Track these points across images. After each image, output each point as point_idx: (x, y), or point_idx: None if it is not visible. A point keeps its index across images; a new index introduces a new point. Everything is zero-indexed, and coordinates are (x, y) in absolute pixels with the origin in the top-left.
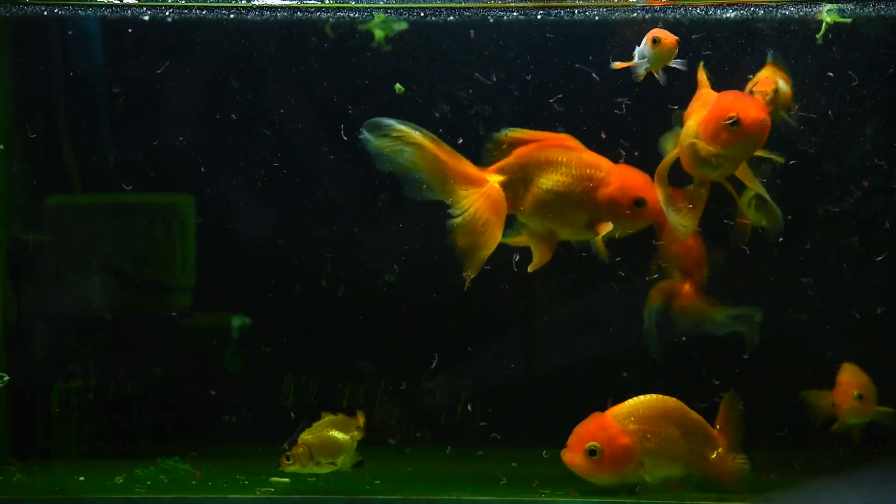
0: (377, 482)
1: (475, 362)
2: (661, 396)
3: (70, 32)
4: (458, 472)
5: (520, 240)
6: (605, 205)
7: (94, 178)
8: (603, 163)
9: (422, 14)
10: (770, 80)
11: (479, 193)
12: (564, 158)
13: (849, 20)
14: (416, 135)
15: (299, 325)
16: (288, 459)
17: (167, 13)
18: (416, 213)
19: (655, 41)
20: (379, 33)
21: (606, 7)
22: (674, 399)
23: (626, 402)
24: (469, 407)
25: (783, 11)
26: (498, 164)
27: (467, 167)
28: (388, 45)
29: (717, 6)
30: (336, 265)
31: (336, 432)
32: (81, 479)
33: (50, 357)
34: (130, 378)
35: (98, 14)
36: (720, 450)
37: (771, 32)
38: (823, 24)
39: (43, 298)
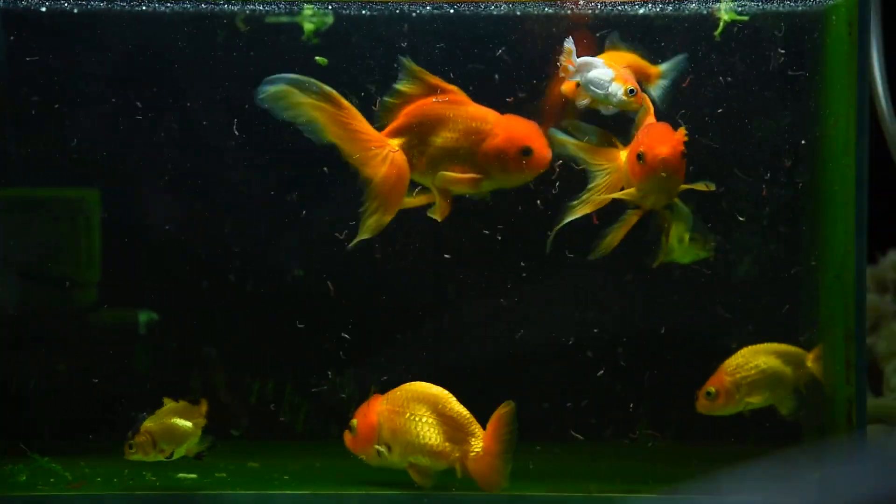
0: (285, 477)
1: (386, 354)
2: (427, 384)
3: None
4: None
5: (415, 201)
6: (493, 156)
7: None
8: (489, 115)
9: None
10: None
11: (381, 157)
12: (452, 114)
13: (746, 17)
14: (314, 93)
15: (207, 320)
16: (131, 448)
17: (71, 4)
18: (323, 207)
19: (631, 91)
20: (308, 26)
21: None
22: (439, 388)
23: (400, 386)
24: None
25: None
26: (390, 127)
27: (367, 128)
28: (315, 38)
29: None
30: (244, 260)
31: (179, 420)
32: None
33: None
34: (33, 375)
35: (1, 3)
36: (479, 449)
37: (678, 28)
38: (721, 22)
39: None
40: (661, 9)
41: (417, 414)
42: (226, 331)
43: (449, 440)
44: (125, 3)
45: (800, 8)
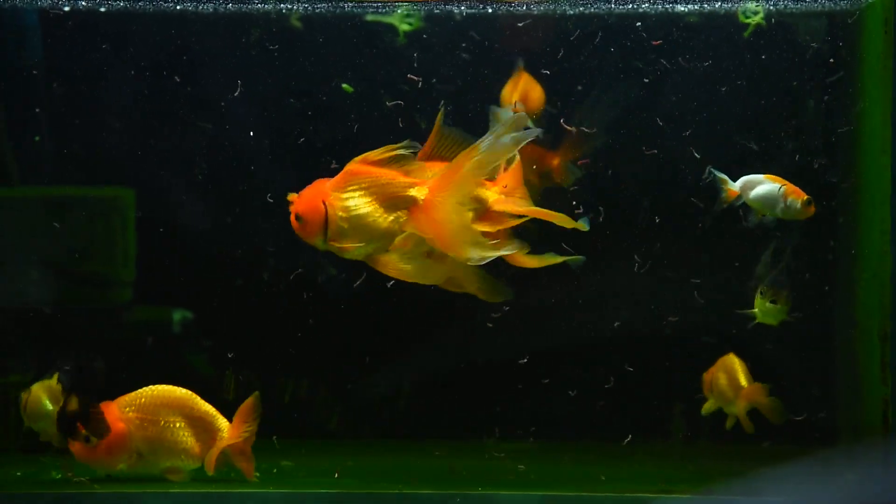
0: (318, 476)
1: (418, 354)
2: (170, 387)
3: (7, 23)
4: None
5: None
6: None
7: (34, 170)
8: None
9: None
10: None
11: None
12: None
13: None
14: None
15: (240, 318)
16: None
17: (107, 4)
18: None
19: (808, 202)
20: (404, 27)
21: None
22: (183, 390)
23: (136, 391)
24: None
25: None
26: None
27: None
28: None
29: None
30: (277, 258)
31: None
32: (18, 474)
33: None
34: (70, 373)
35: (37, 4)
36: (223, 436)
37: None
38: (751, 23)
39: None
40: (691, 8)
41: (171, 420)
42: (260, 329)
43: (200, 440)
44: (166, 3)
45: (836, 7)
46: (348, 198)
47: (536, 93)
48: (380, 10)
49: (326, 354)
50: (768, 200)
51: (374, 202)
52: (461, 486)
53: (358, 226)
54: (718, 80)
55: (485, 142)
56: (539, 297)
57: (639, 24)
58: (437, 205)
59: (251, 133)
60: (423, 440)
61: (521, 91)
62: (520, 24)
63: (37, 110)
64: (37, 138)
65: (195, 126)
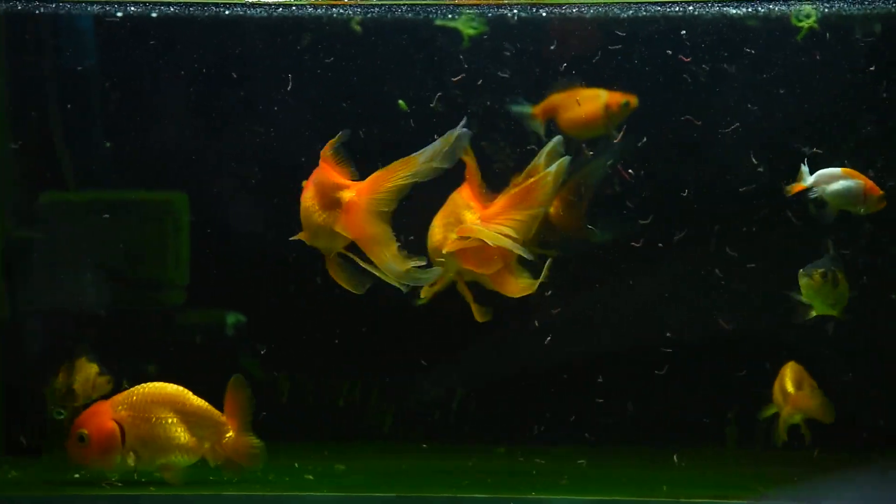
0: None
1: (471, 359)
2: (161, 384)
3: (63, 29)
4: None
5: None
6: None
7: (88, 175)
8: None
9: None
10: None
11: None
12: None
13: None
14: None
15: (293, 321)
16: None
17: (163, 9)
18: (413, 210)
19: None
20: (468, 31)
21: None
22: (175, 386)
23: (129, 390)
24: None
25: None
26: None
27: None
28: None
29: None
30: None
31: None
32: (76, 475)
33: (43, 354)
34: (124, 375)
35: (92, 10)
36: (230, 434)
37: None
38: (804, 26)
39: (37, 296)
40: (749, 11)
41: (163, 416)
42: (312, 332)
43: (196, 435)
44: (216, 8)
45: (892, 9)
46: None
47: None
48: (446, 15)
49: (379, 358)
50: (847, 196)
51: (313, 198)
52: (516, 490)
53: (302, 217)
54: (773, 83)
55: (423, 154)
56: (591, 303)
57: (688, 27)
58: (357, 207)
59: (305, 137)
60: (477, 444)
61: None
62: (574, 29)
63: (92, 116)
64: (108, 144)
65: (249, 130)
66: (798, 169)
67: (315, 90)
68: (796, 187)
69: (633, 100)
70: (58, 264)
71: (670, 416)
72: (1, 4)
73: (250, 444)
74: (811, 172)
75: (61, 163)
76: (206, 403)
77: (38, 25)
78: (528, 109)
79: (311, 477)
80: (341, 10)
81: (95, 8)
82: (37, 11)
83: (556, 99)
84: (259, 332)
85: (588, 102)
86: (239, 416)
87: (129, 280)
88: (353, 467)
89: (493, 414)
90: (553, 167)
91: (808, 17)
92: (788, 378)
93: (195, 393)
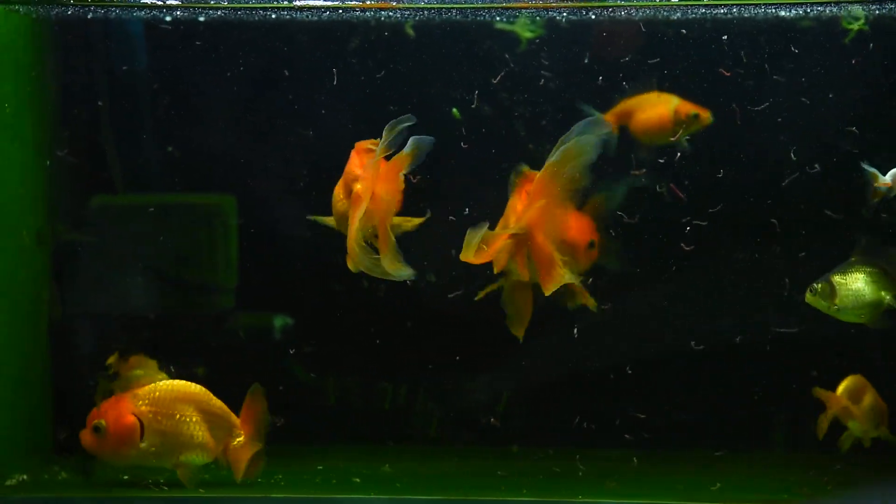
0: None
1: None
2: (184, 382)
3: (113, 33)
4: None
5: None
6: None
7: (138, 178)
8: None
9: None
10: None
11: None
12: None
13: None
14: None
15: (340, 324)
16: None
17: (212, 13)
18: (453, 212)
19: None
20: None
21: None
22: (198, 385)
23: (151, 386)
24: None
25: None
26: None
27: None
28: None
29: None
30: None
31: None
32: (125, 477)
33: (94, 356)
34: (174, 377)
35: (142, 15)
36: (241, 438)
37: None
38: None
39: (87, 298)
40: (797, 13)
41: (186, 414)
42: (360, 335)
43: (214, 436)
44: (265, 13)
45: None
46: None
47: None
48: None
49: (426, 360)
50: None
51: (339, 186)
52: (562, 493)
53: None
54: (822, 85)
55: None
56: (640, 304)
57: (741, 29)
58: (360, 200)
59: (353, 141)
60: (524, 446)
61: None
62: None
63: (141, 119)
64: (169, 149)
65: (297, 134)
66: (859, 170)
67: (364, 93)
68: (882, 184)
69: (705, 114)
70: (107, 267)
71: (717, 419)
72: (52, 10)
73: (256, 453)
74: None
75: (111, 166)
76: (225, 405)
77: (88, 30)
78: (594, 113)
79: (357, 479)
80: (389, 14)
81: (144, 12)
82: (88, 17)
83: (627, 104)
84: (306, 334)
85: (658, 107)
86: (252, 423)
87: (177, 283)
88: (400, 470)
89: (540, 416)
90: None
91: (857, 19)
92: (850, 391)
93: (243, 396)
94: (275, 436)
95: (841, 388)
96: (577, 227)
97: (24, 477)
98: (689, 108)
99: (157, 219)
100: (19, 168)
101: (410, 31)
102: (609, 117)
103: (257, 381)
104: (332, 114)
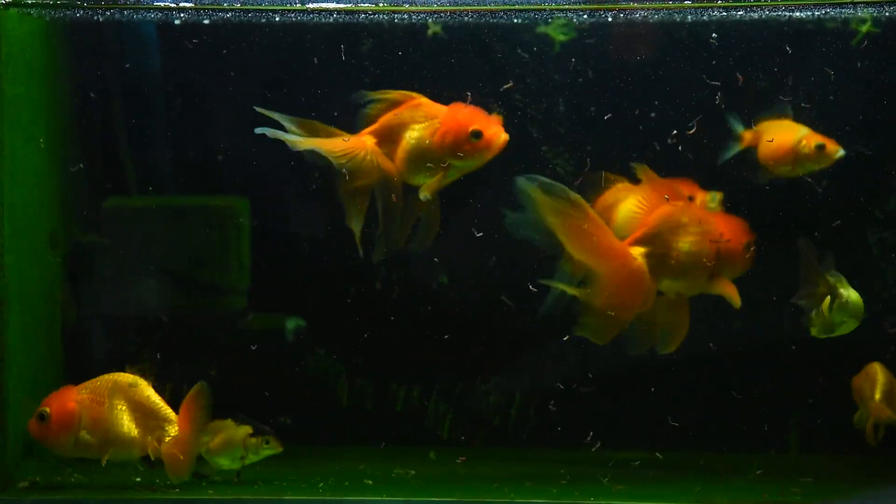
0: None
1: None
2: (122, 374)
3: (126, 36)
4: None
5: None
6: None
7: (151, 180)
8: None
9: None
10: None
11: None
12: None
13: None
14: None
15: (353, 326)
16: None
17: (222, 15)
18: (468, 215)
19: None
20: (559, 37)
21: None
22: (132, 376)
23: (98, 377)
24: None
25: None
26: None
27: (611, 240)
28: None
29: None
30: (390, 267)
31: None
32: (138, 479)
33: (107, 358)
34: (186, 379)
35: (154, 17)
36: (174, 433)
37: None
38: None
39: (101, 300)
40: (808, 15)
41: (115, 402)
42: (372, 337)
43: (144, 427)
44: (273, 15)
45: None
46: None
47: None
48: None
49: (438, 362)
50: None
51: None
52: (577, 496)
53: None
54: (834, 87)
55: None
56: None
57: (755, 30)
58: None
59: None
60: (537, 449)
61: None
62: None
63: (155, 122)
64: (190, 155)
65: None
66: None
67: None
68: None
69: (833, 147)
70: (121, 269)
71: (734, 422)
72: (66, 13)
73: (188, 452)
74: None
75: (125, 168)
76: (159, 398)
77: (101, 33)
78: (739, 128)
79: (370, 482)
80: (405, 17)
81: (157, 15)
82: (100, 19)
83: (761, 126)
84: (319, 336)
85: (781, 136)
86: (189, 419)
87: (191, 284)
88: (413, 471)
89: (554, 419)
90: None
91: (864, 22)
92: (879, 383)
93: (256, 396)
94: (287, 437)
95: (878, 393)
96: (733, 228)
97: (37, 479)
98: (814, 139)
99: (170, 221)
100: (33, 170)
101: (437, 30)
102: (747, 135)
103: (265, 381)
104: (345, 116)
